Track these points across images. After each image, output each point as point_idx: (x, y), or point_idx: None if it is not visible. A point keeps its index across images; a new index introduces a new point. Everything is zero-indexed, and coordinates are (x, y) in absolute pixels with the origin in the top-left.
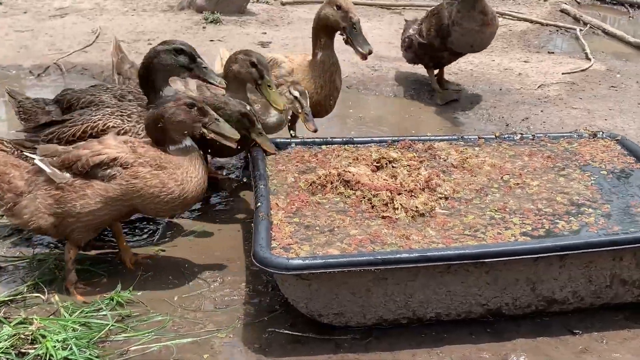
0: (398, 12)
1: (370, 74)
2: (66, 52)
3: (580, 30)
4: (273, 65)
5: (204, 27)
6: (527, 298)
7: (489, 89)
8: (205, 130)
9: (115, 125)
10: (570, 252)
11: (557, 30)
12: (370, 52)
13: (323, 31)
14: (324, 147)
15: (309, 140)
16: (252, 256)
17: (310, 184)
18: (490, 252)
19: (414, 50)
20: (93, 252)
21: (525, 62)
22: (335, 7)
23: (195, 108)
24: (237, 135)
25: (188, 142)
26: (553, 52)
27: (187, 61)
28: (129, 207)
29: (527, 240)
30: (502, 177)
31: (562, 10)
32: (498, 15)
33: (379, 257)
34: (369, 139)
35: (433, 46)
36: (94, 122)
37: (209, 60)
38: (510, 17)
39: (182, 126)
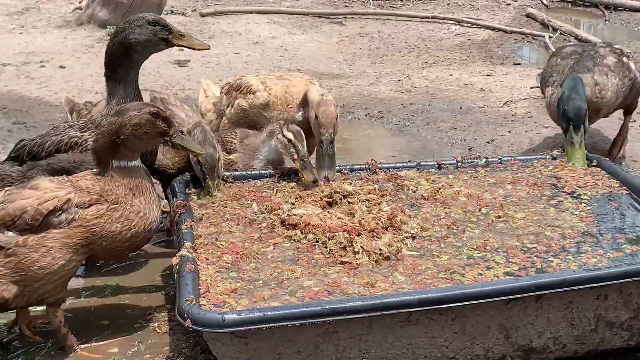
0: (339, 21)
1: None
2: None
3: (550, 37)
4: (245, 92)
5: None
6: (501, 348)
7: (448, 108)
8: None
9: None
10: (546, 292)
11: (523, 38)
12: (315, 182)
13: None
14: (260, 180)
15: (240, 174)
16: (177, 313)
17: (248, 237)
18: (455, 296)
19: None
20: None
21: (488, 75)
22: (314, 115)
23: (160, 118)
24: (202, 151)
25: (137, 161)
26: (519, 64)
27: (164, 32)
28: (89, 253)
29: (496, 280)
30: (480, 209)
31: (527, 15)
32: (455, 22)
33: (328, 307)
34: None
35: None
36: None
37: None
38: (468, 25)
39: (144, 139)
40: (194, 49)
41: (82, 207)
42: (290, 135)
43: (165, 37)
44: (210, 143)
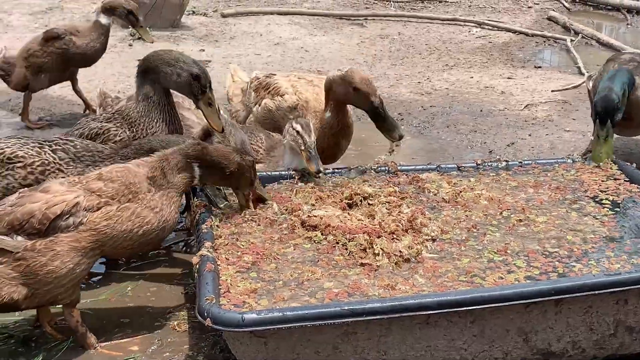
0: (359, 23)
1: None
2: None
3: (571, 40)
4: (273, 94)
5: (130, 45)
6: (520, 351)
7: (468, 111)
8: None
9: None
10: (565, 296)
11: (545, 41)
12: (401, 137)
13: (334, 100)
14: (280, 182)
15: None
16: (197, 312)
17: (269, 237)
18: (473, 299)
19: None
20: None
21: (508, 78)
22: (351, 89)
23: (254, 170)
24: (249, 207)
25: (196, 177)
26: (540, 67)
27: (197, 90)
28: (99, 255)
29: (516, 284)
30: (501, 213)
31: (549, 18)
32: (476, 24)
33: (347, 308)
34: (342, 169)
35: None
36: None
37: None
38: (489, 27)
39: (234, 178)
40: (209, 124)
41: (91, 211)
42: (299, 127)
43: (194, 94)
44: (240, 131)
